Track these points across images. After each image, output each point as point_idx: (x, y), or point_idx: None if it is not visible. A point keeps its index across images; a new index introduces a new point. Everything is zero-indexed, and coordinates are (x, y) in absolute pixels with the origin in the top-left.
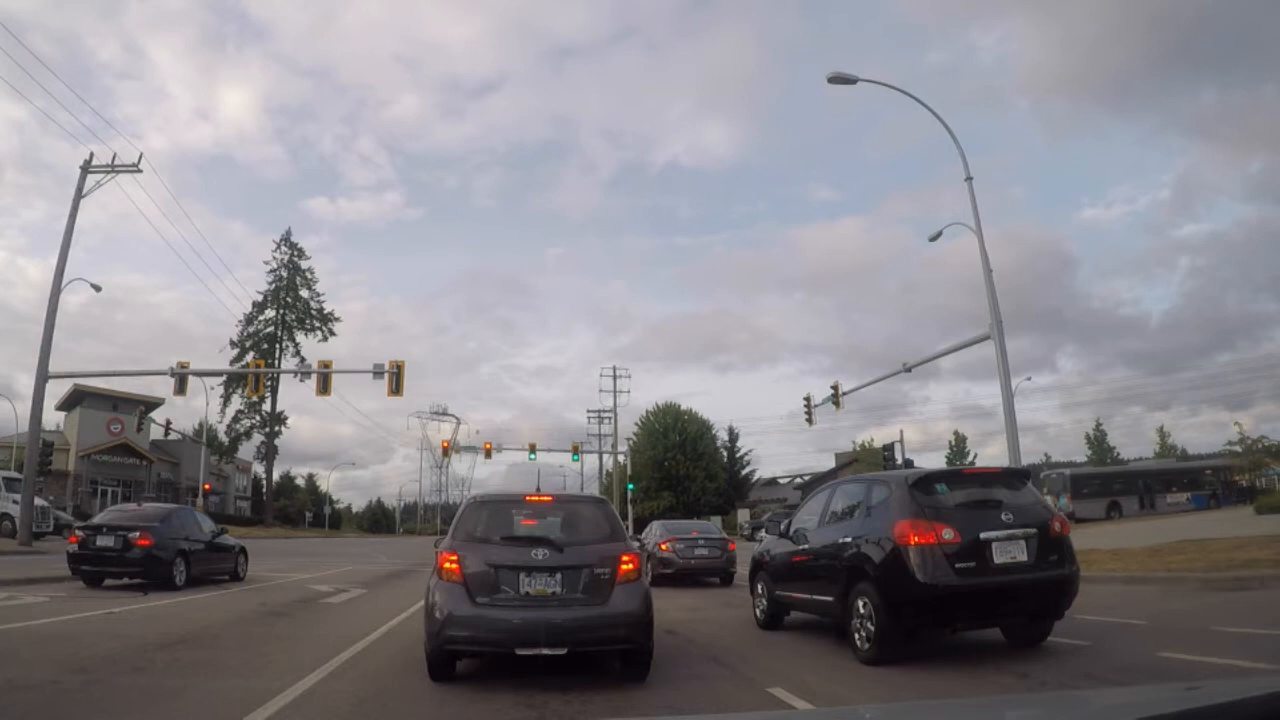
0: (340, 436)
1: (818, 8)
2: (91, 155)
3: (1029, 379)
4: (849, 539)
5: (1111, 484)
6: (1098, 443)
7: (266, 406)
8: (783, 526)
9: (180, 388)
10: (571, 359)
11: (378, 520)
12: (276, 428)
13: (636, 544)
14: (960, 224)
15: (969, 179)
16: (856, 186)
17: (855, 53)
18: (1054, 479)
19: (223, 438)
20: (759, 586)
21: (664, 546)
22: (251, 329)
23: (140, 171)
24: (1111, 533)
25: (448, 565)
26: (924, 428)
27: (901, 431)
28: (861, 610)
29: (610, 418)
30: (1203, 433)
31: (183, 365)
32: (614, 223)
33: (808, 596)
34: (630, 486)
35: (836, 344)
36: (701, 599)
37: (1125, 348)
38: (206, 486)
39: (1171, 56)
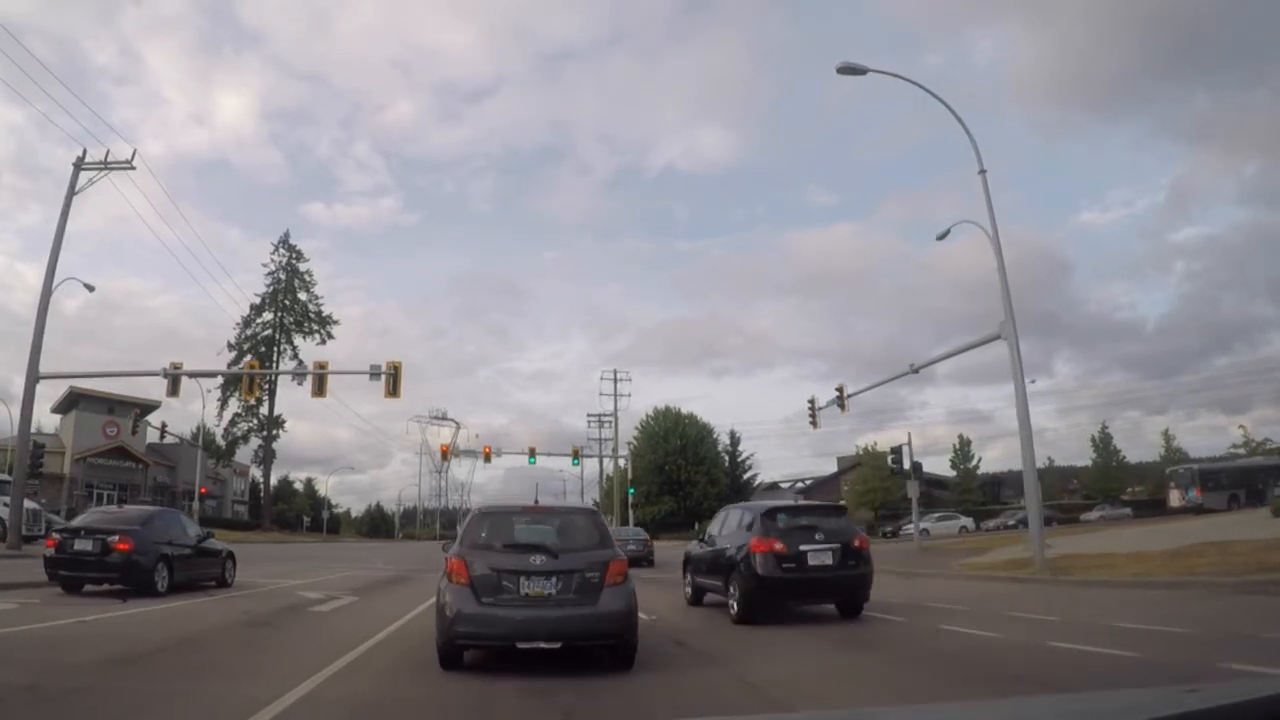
0: (339, 440)
1: (809, 13)
2: (85, 152)
3: (1033, 381)
4: (730, 546)
5: (1232, 478)
6: (1103, 445)
7: (264, 410)
8: (704, 536)
9: (173, 389)
10: (569, 363)
11: (377, 525)
12: (274, 431)
13: (629, 548)
14: (969, 221)
15: (982, 172)
16: (853, 190)
17: (849, 57)
18: (1181, 474)
19: (220, 441)
20: (687, 575)
21: None
22: (249, 332)
23: (134, 169)
24: (1121, 537)
25: (456, 569)
26: (922, 432)
27: (909, 434)
28: (733, 591)
29: (610, 421)
30: (1201, 436)
31: (176, 366)
32: (611, 227)
33: (711, 581)
34: (631, 491)
35: (833, 348)
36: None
37: (1122, 352)
38: (203, 490)
39: (1164, 62)
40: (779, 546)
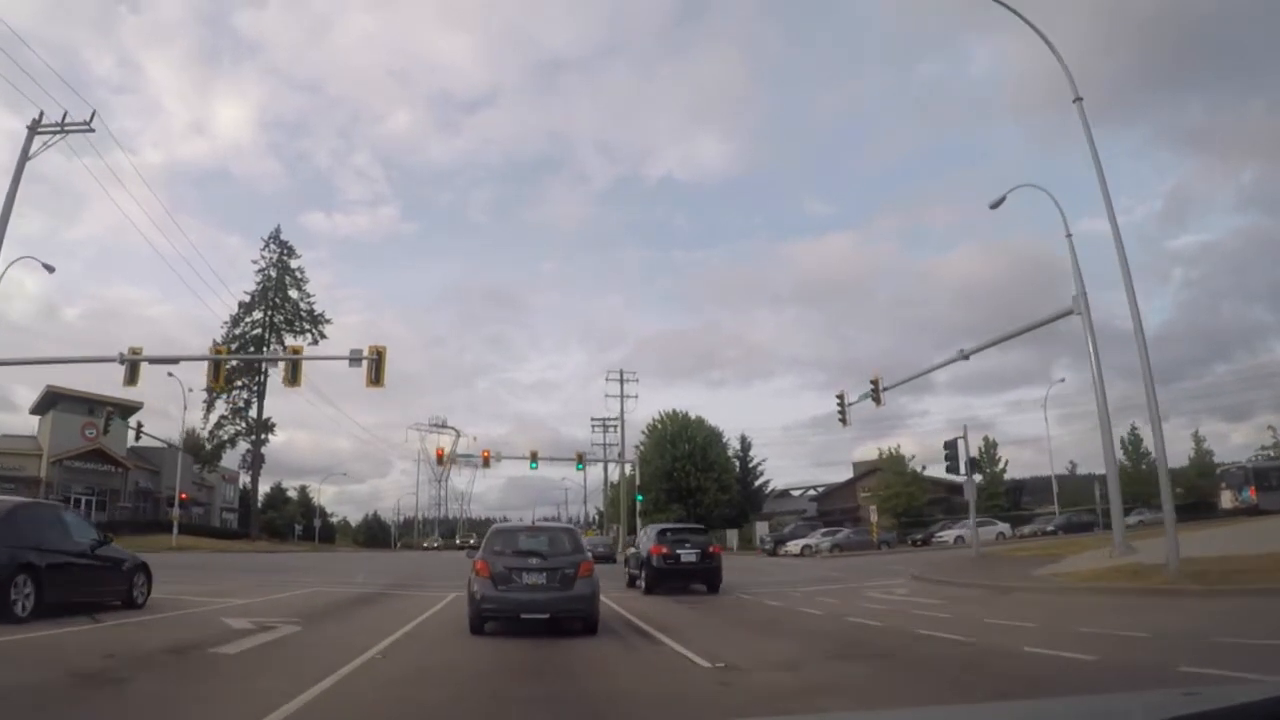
0: (339, 450)
1: (805, 23)
2: (41, 114)
3: (1062, 380)
4: (643, 550)
5: None
6: (1133, 448)
7: (253, 413)
8: (636, 543)
9: (131, 377)
10: (569, 374)
11: (375, 534)
12: (263, 435)
13: (593, 551)
14: (1032, 186)
15: (1078, 100)
16: (849, 200)
17: (844, 66)
18: (1233, 474)
19: (207, 445)
20: (626, 568)
21: None
22: (238, 331)
23: (92, 130)
24: (1210, 538)
25: (481, 568)
26: (921, 440)
27: (965, 427)
28: (642, 575)
29: (615, 426)
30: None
31: (135, 351)
32: (609, 237)
33: (635, 571)
34: (639, 498)
35: (831, 358)
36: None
37: (1122, 360)
38: (183, 496)
39: (1161, 69)
40: (664, 550)
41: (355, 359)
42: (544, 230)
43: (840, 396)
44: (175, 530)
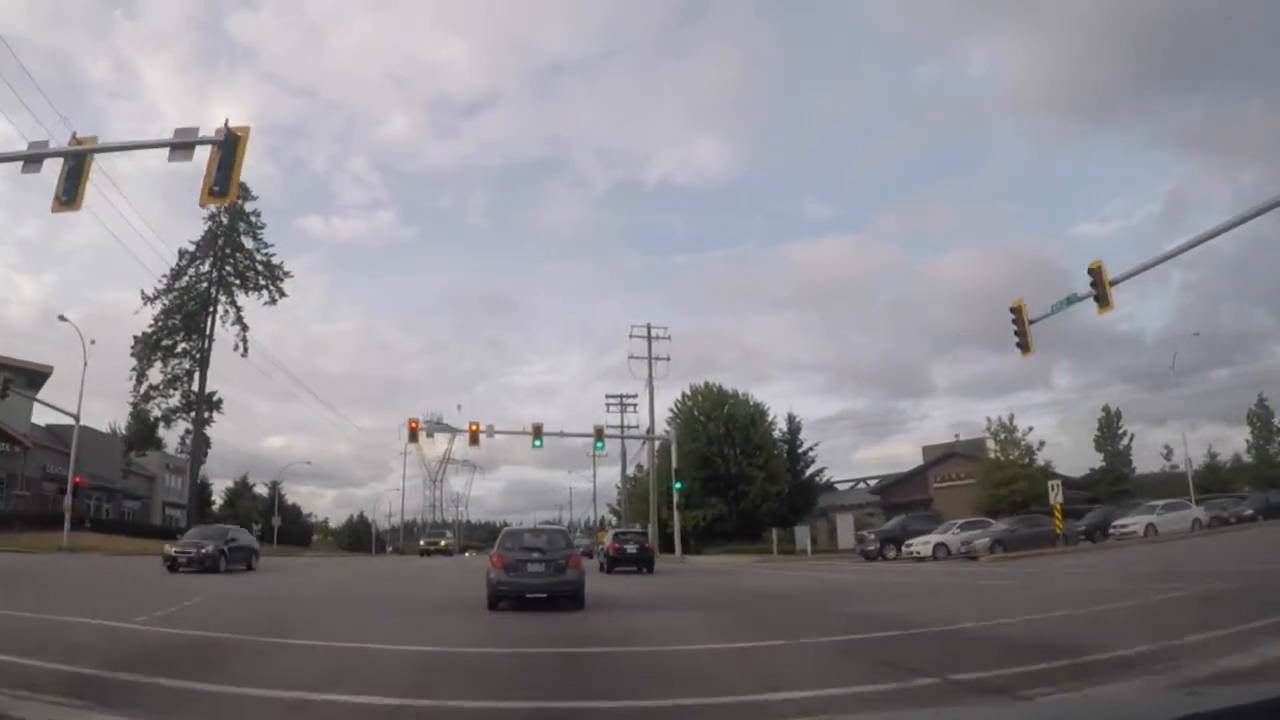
0: (339, 455)
1: (804, 26)
2: None
3: (1197, 334)
4: (606, 544)
5: None
6: (1262, 425)
7: (194, 385)
8: (607, 540)
9: None
10: (568, 378)
11: (360, 537)
12: (206, 413)
13: (580, 549)
14: None
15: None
16: (848, 202)
17: (843, 68)
18: None
19: (141, 422)
20: (597, 558)
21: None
22: (181, 284)
23: None
24: None
25: (497, 560)
26: (920, 444)
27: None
28: (603, 560)
29: (634, 405)
30: (1204, 447)
31: None
32: (608, 240)
33: (601, 560)
34: (678, 485)
35: (830, 361)
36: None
37: (1122, 363)
38: (78, 480)
39: (1159, 71)
40: (616, 545)
41: (184, 144)
42: (543, 234)
43: (1017, 308)
44: (66, 525)
